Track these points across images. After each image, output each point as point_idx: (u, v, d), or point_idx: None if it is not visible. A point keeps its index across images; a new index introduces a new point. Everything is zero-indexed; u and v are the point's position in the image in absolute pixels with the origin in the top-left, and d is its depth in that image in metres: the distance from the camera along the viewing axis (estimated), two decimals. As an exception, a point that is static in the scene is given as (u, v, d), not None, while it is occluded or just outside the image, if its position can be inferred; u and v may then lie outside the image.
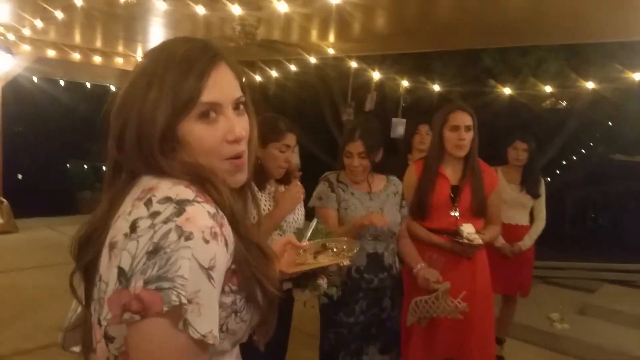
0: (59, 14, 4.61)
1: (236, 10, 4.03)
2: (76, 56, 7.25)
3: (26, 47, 6.88)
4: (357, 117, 3.67)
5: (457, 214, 2.72)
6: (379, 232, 2.53)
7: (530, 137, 3.97)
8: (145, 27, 5.44)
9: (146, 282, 0.78)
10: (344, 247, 1.34)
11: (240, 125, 0.96)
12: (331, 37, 5.53)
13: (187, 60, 0.92)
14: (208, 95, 0.92)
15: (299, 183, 2.45)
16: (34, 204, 8.96)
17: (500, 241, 3.89)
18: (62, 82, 9.61)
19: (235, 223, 0.92)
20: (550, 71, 6.06)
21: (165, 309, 0.77)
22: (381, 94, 6.33)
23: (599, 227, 10.09)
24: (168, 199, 0.84)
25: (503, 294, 4.05)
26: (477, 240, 2.61)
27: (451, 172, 2.78)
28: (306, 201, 2.53)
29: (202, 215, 0.84)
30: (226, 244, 0.87)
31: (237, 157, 0.96)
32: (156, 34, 5.81)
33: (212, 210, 0.86)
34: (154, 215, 0.82)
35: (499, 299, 4.09)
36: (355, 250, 1.35)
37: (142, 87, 0.92)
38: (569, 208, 9.84)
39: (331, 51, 5.88)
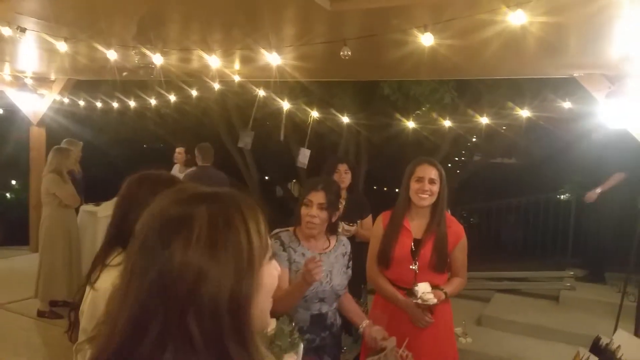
0: None
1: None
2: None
3: None
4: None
5: (416, 267, 2.77)
6: (325, 295, 2.55)
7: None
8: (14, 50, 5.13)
9: None
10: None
11: None
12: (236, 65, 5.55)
13: (253, 211, 0.91)
14: None
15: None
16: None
17: None
18: None
19: None
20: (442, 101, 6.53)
21: None
22: (291, 124, 6.44)
23: (488, 236, 10.45)
24: None
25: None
26: (432, 300, 2.66)
27: (417, 224, 2.84)
28: None
29: None
30: None
31: None
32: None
33: None
34: None
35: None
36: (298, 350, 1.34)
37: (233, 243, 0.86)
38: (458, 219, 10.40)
39: (237, 78, 5.88)
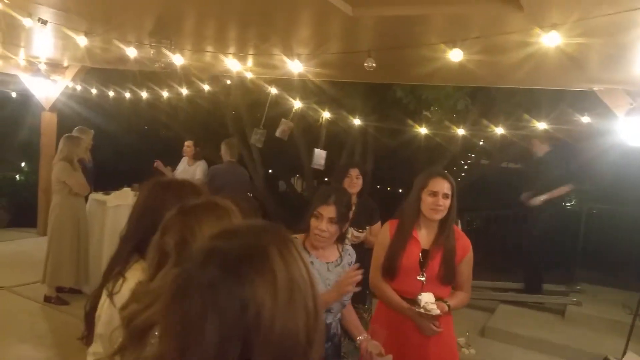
0: None
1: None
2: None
3: None
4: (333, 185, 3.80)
5: (423, 279, 2.72)
6: (332, 305, 2.51)
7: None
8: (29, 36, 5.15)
9: None
10: None
11: None
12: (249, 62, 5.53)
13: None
14: None
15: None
16: None
17: None
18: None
19: None
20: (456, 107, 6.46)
21: None
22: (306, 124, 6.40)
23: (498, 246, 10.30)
24: None
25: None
26: (435, 311, 2.63)
27: (425, 235, 2.79)
28: None
29: None
30: None
31: None
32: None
33: None
34: None
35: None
36: None
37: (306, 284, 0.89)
38: (464, 227, 10.27)
39: (249, 75, 5.86)
